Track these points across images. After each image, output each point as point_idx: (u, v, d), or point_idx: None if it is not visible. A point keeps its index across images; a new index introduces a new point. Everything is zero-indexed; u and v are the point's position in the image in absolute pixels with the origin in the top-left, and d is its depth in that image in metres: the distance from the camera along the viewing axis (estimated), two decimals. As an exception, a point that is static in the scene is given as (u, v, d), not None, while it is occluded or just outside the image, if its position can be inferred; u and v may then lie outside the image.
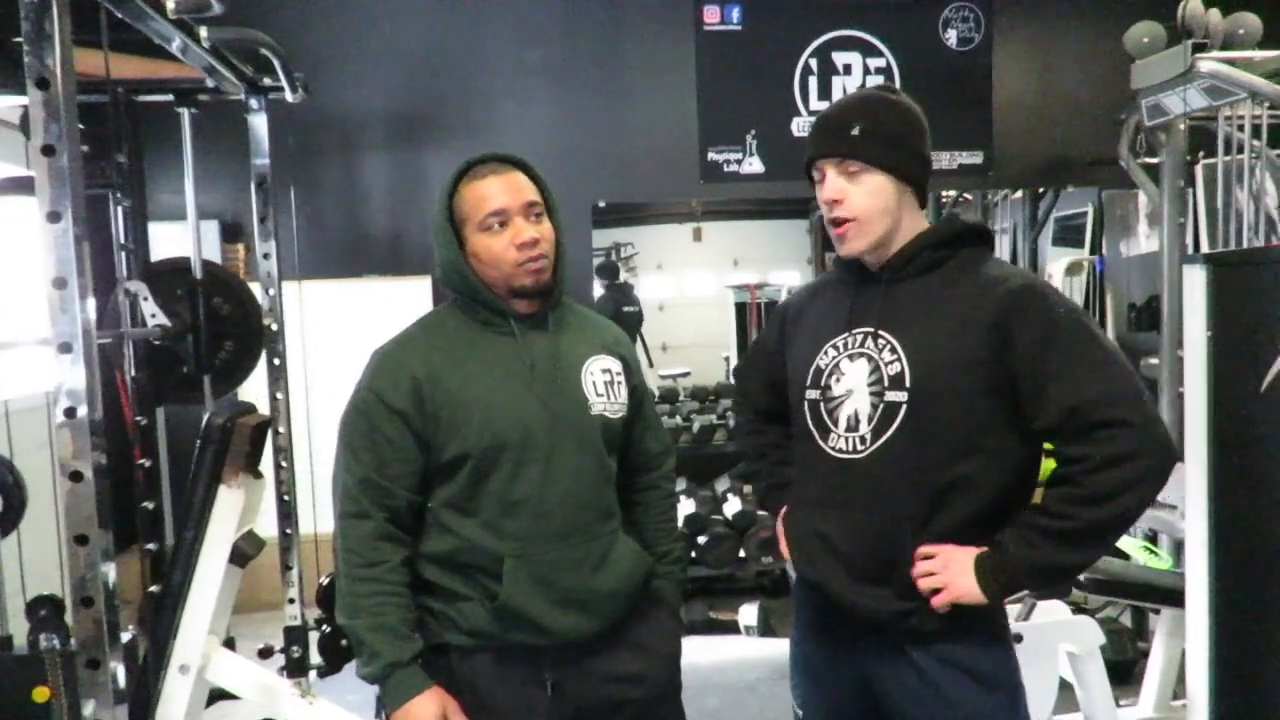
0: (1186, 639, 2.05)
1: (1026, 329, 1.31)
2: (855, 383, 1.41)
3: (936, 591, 1.34)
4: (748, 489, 4.47)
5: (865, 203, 1.40)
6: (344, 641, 2.49)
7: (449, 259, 1.47)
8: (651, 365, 7.45)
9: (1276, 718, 1.89)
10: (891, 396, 1.36)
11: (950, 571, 1.33)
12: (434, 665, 1.47)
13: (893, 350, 1.38)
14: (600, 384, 1.51)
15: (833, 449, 1.42)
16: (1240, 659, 1.95)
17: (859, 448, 1.39)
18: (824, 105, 4.29)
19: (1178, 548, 3.04)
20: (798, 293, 1.64)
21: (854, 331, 1.44)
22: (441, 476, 1.44)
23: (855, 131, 1.39)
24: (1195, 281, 1.96)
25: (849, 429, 1.40)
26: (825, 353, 1.46)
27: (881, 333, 1.40)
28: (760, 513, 4.09)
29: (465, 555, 1.44)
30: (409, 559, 1.47)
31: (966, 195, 5.22)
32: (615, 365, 1.55)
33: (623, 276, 7.22)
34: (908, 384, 1.35)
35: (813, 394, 1.46)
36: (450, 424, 1.41)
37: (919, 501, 1.36)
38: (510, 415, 1.42)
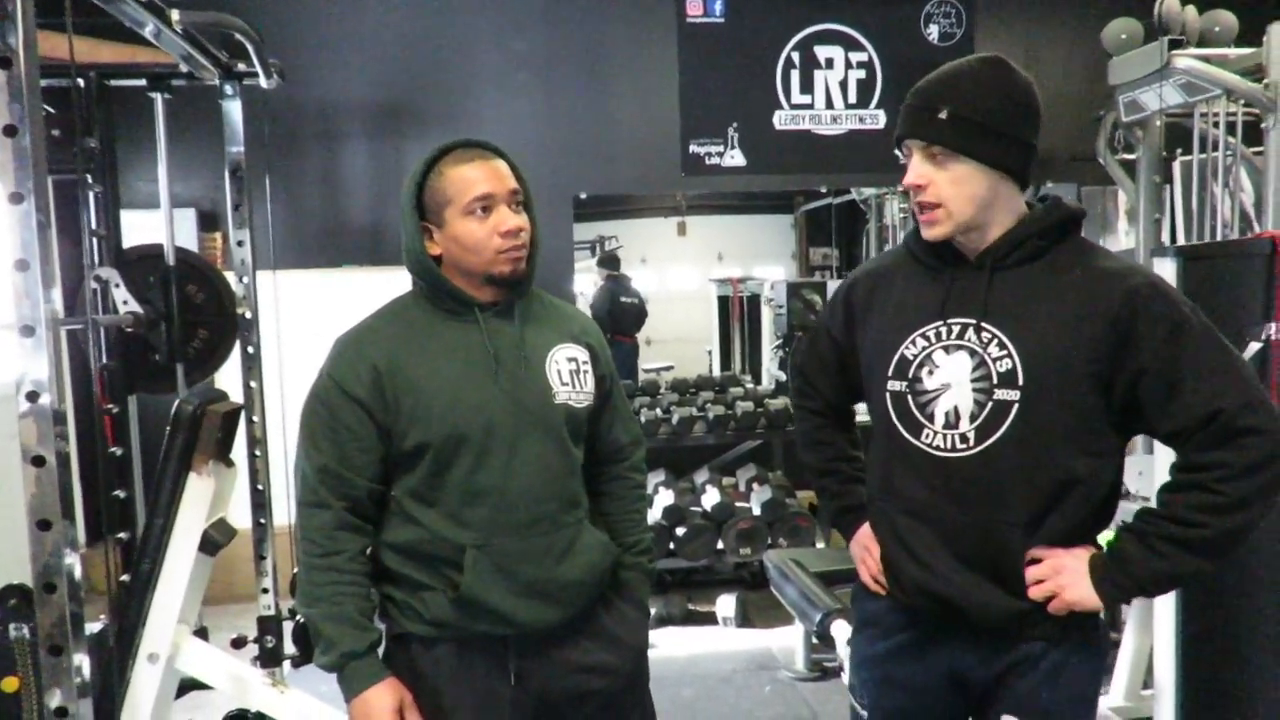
0: (1155, 629, 2.07)
1: (1154, 328, 1.24)
2: (954, 377, 1.33)
3: (1050, 597, 1.31)
4: (726, 480, 4.49)
5: (951, 191, 1.31)
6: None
7: (411, 246, 1.45)
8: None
9: (1240, 706, 1.91)
10: (1001, 395, 1.29)
11: (1064, 577, 1.29)
12: (396, 656, 1.46)
13: (1001, 345, 1.30)
14: (565, 372, 1.49)
15: (928, 446, 1.34)
16: (1207, 649, 1.97)
17: (959, 446, 1.32)
18: (805, 99, 4.30)
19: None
20: (863, 274, 1.52)
21: (949, 321, 1.35)
22: (403, 466, 1.43)
23: (943, 115, 1.29)
24: (1166, 273, 1.98)
25: (947, 425, 1.33)
26: (913, 342, 1.37)
27: (986, 325, 1.32)
28: (738, 505, 4.10)
29: (427, 545, 1.42)
30: (368, 548, 1.45)
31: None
32: (582, 354, 1.53)
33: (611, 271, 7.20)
34: (1020, 382, 1.28)
35: (896, 385, 1.38)
36: (411, 413, 1.40)
37: (1030, 503, 1.30)
38: (472, 404, 1.41)
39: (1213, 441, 1.24)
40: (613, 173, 4.36)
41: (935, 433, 1.34)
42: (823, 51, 4.31)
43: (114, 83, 2.62)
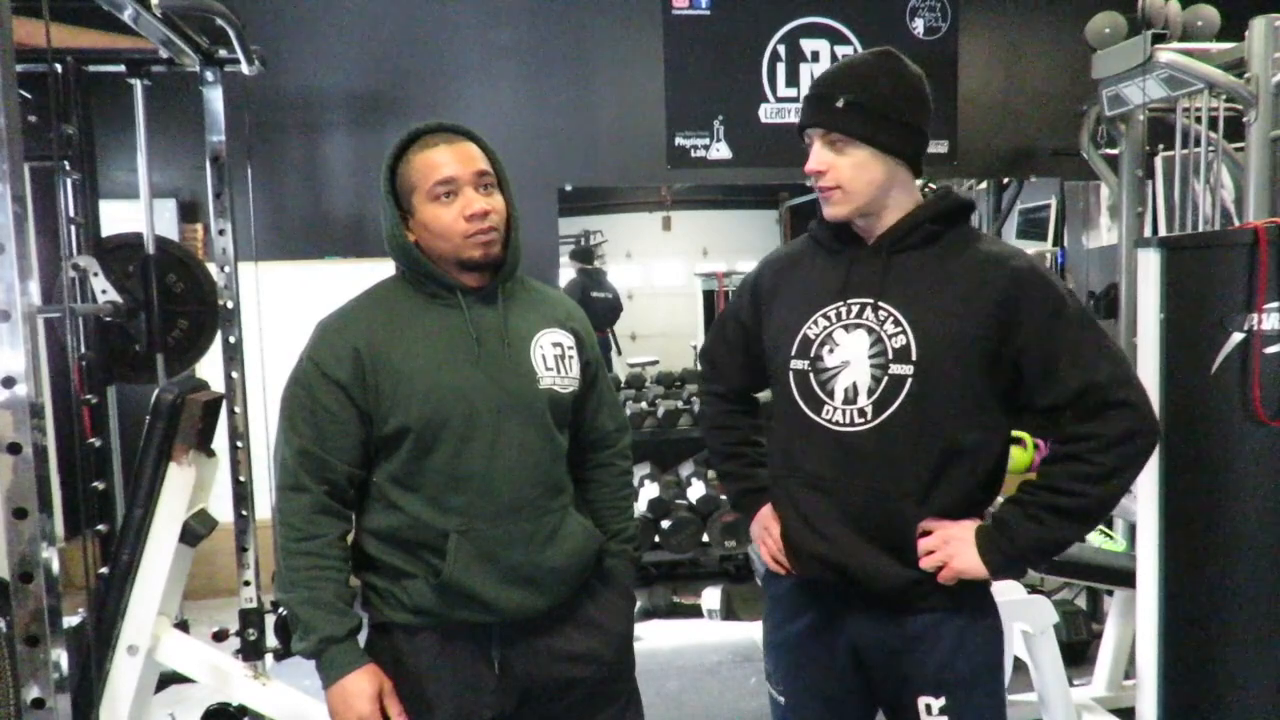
0: (1137, 619, 2.08)
1: (1036, 308, 1.33)
2: (853, 354, 1.39)
3: (940, 567, 1.37)
4: (711, 474, 4.49)
5: (850, 175, 1.39)
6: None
7: (391, 231, 1.44)
8: (620, 354, 7.44)
9: (1223, 697, 1.93)
10: (896, 370, 1.36)
11: (952, 546, 1.36)
12: (378, 645, 1.45)
13: (896, 323, 1.37)
14: (550, 357, 1.48)
15: (828, 422, 1.40)
16: (1189, 639, 1.98)
17: (858, 421, 1.38)
18: (792, 92, 4.30)
19: (1132, 530, 3.09)
20: (769, 262, 1.59)
21: (849, 301, 1.41)
22: (384, 450, 1.41)
23: (840, 104, 1.37)
24: (1149, 265, 1.98)
25: (846, 401, 1.39)
26: (815, 322, 1.43)
27: (883, 304, 1.38)
28: (724, 497, 4.10)
29: (409, 531, 1.41)
30: (348, 534, 1.44)
31: (931, 184, 5.26)
32: (567, 340, 1.52)
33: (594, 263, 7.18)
34: (914, 358, 1.35)
35: (800, 364, 1.43)
36: (392, 396, 1.38)
37: (921, 474, 1.37)
38: (454, 388, 1.39)
39: (1085, 414, 1.33)
40: (598, 165, 4.34)
41: (835, 408, 1.40)
42: (808, 45, 4.30)
43: (93, 69, 2.58)
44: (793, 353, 1.44)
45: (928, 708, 1.40)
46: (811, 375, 1.42)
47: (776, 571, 1.51)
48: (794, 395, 1.44)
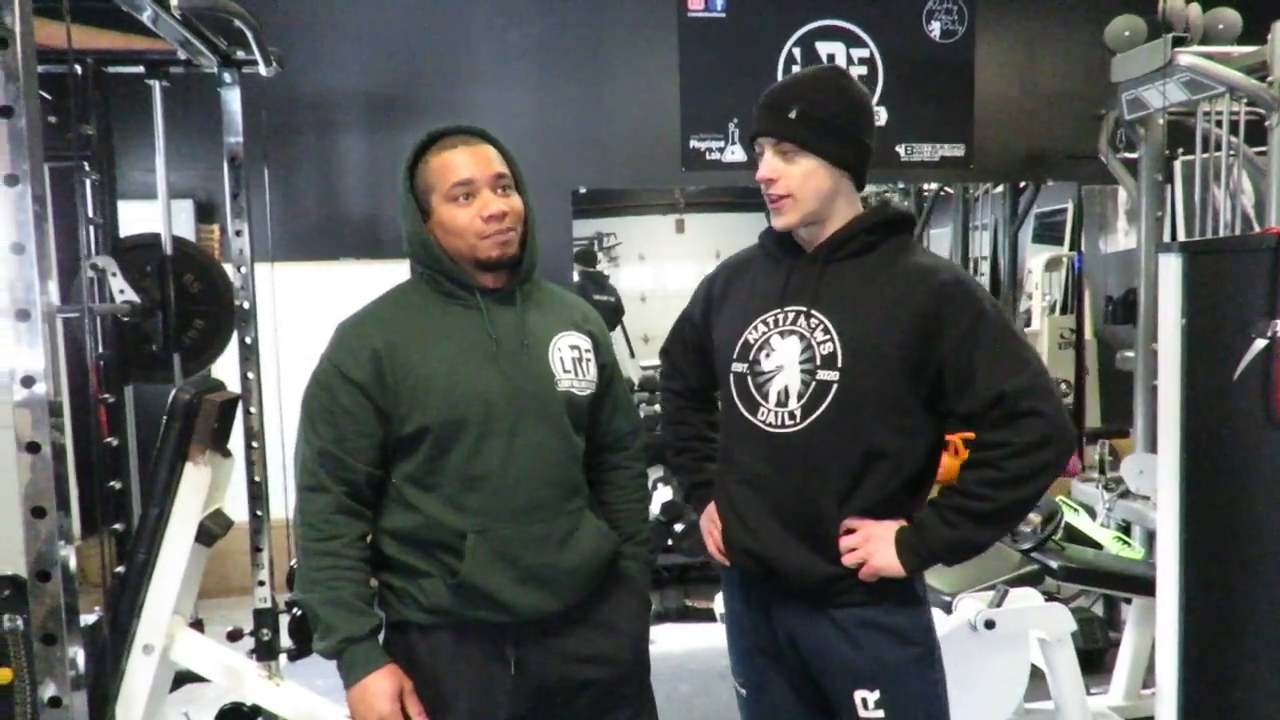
0: (1156, 628, 2.06)
1: (957, 320, 1.38)
2: (786, 359, 1.44)
3: (861, 564, 1.42)
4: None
5: (799, 184, 1.43)
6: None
7: (412, 231, 1.45)
8: (633, 355, 7.43)
9: (1244, 706, 1.90)
10: (823, 375, 1.41)
11: (872, 545, 1.41)
12: (394, 644, 1.45)
13: (825, 330, 1.42)
14: (568, 360, 1.49)
15: (762, 423, 1.45)
16: (1209, 648, 1.96)
17: (788, 423, 1.43)
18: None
19: (1150, 538, 3.06)
20: (724, 265, 1.65)
21: (786, 309, 1.47)
22: (402, 450, 1.42)
23: (793, 115, 1.42)
24: (1170, 270, 1.96)
25: (778, 404, 1.44)
26: (755, 327, 1.48)
27: (815, 312, 1.44)
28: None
29: (426, 531, 1.41)
30: (367, 535, 1.44)
31: (948, 189, 5.23)
32: (584, 342, 1.53)
33: (604, 267, 7.18)
34: (839, 364, 1.40)
35: (739, 367, 1.49)
36: (410, 396, 1.39)
37: (843, 476, 1.42)
38: (472, 389, 1.40)
39: (998, 422, 1.37)
40: (612, 167, 4.34)
41: (769, 410, 1.45)
42: (824, 47, 4.28)
43: (112, 69, 2.60)
44: (734, 356, 1.50)
45: (864, 701, 1.44)
46: (749, 378, 1.48)
47: (721, 562, 1.57)
48: (734, 397, 1.50)
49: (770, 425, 1.45)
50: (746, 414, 1.47)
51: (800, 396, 1.42)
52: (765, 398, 1.46)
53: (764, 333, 1.48)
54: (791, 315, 1.46)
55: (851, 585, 1.44)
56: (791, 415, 1.43)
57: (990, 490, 1.37)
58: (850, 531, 1.43)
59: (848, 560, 1.42)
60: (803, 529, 1.44)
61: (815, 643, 1.47)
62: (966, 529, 1.39)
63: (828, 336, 1.42)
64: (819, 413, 1.41)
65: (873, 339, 1.40)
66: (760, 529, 1.47)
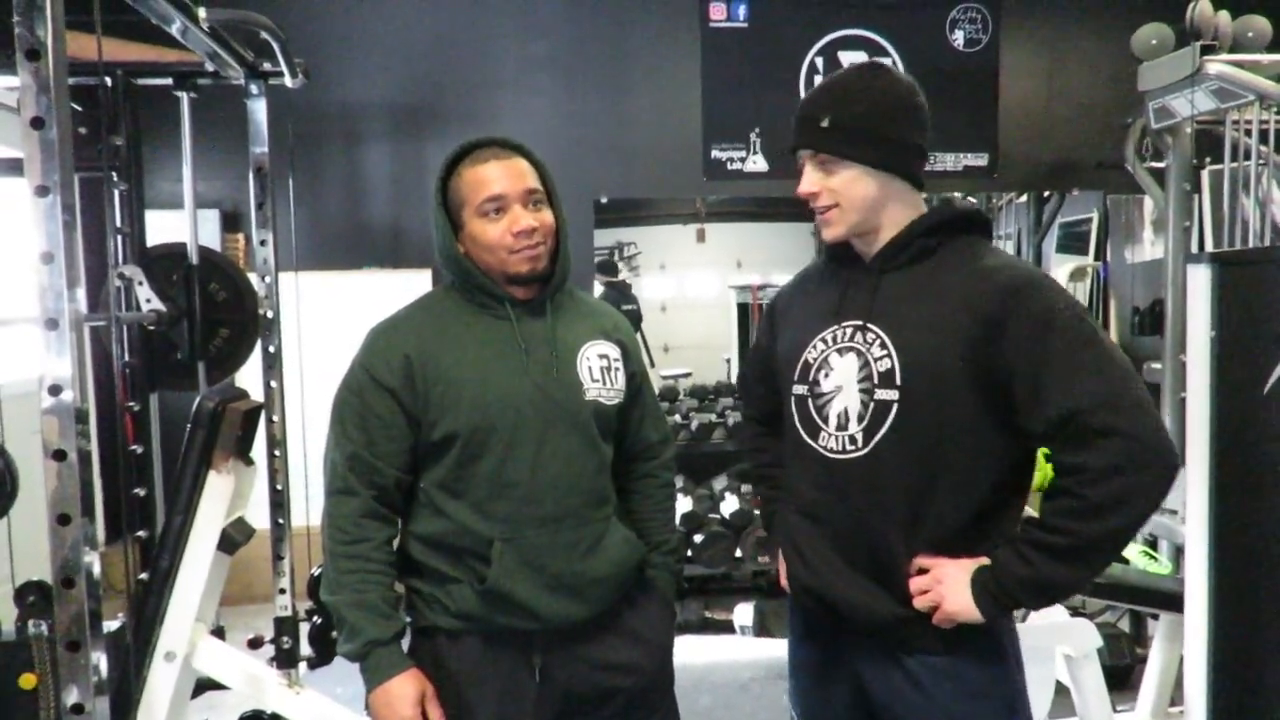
0: (1185, 644, 2.02)
1: (1023, 323, 1.23)
2: (845, 379, 1.34)
3: (934, 608, 1.29)
4: (745, 488, 4.46)
5: (842, 194, 1.35)
6: (334, 632, 2.47)
7: (443, 244, 1.46)
8: (654, 365, 7.43)
9: (1275, 725, 1.86)
10: (882, 395, 1.30)
11: (945, 586, 1.28)
12: (421, 649, 1.46)
13: (882, 345, 1.31)
14: (596, 369, 1.49)
15: (823, 448, 1.36)
16: (1239, 665, 1.92)
17: (849, 448, 1.33)
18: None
19: (1178, 553, 3.01)
20: (788, 284, 1.58)
21: (844, 324, 1.37)
22: (432, 456, 1.43)
23: (825, 124, 1.34)
24: (1200, 281, 1.93)
25: (839, 428, 1.34)
26: (814, 346, 1.39)
27: (871, 326, 1.33)
28: (757, 512, 4.06)
29: (454, 537, 1.42)
30: (395, 540, 1.45)
31: (971, 198, 5.20)
32: (613, 351, 1.53)
33: (625, 276, 7.20)
34: (898, 381, 1.29)
35: (800, 389, 1.40)
36: (440, 402, 1.40)
37: (908, 505, 1.30)
38: (501, 396, 1.41)
39: (1071, 443, 1.21)
40: (633, 177, 4.35)
41: (830, 435, 1.36)
42: (847, 57, 4.28)
43: (141, 81, 2.63)
44: (794, 377, 1.41)
45: None
46: (810, 400, 1.38)
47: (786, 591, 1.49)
48: (795, 421, 1.41)
49: (831, 451, 1.35)
50: (808, 439, 1.38)
51: (861, 419, 1.32)
52: (826, 421, 1.36)
53: (822, 351, 1.38)
54: (849, 331, 1.36)
55: (924, 630, 1.30)
56: (853, 439, 1.32)
57: (1068, 521, 1.21)
58: (923, 571, 1.30)
59: (919, 604, 1.29)
60: (867, 564, 1.33)
61: (884, 690, 1.36)
62: (1045, 567, 1.22)
63: (885, 352, 1.31)
64: (880, 435, 1.30)
65: (931, 351, 1.27)
66: (821, 564, 1.37)
